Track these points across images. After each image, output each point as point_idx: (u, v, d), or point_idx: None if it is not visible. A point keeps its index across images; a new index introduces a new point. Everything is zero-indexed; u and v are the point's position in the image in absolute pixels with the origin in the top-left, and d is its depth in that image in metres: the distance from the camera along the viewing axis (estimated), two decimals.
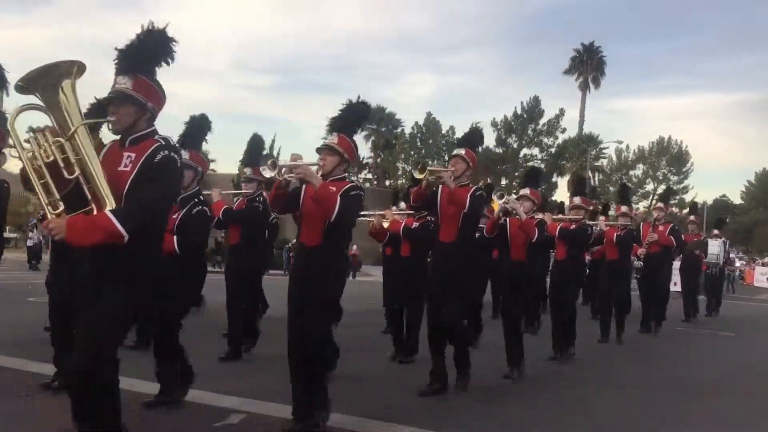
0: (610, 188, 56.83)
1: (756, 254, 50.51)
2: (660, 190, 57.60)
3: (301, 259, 4.75)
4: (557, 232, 8.10)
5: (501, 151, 53.93)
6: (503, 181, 54.85)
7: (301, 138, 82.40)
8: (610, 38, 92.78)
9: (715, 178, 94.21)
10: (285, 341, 4.61)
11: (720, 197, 65.66)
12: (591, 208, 9.46)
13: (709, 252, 14.65)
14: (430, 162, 51.63)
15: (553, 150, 52.95)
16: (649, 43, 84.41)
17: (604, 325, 9.89)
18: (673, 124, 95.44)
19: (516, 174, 52.89)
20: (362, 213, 7.19)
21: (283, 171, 4.54)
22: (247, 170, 7.44)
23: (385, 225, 7.74)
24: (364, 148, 57.61)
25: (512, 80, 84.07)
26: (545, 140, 52.86)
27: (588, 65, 54.38)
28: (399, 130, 55.81)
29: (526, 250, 6.92)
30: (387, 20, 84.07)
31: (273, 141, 34.27)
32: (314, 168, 4.65)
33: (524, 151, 53.46)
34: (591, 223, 9.26)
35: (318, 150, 4.83)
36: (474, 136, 6.47)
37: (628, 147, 57.09)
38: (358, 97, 5.01)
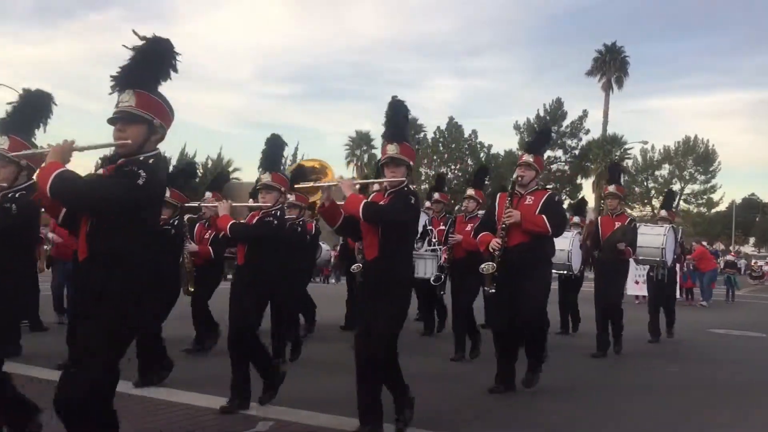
0: (636, 189, 56.30)
1: None
2: (688, 190, 57.12)
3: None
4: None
5: None
6: None
7: (325, 145, 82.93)
8: (633, 38, 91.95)
9: (743, 177, 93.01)
10: (324, 349, 4.61)
11: (749, 196, 64.82)
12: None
13: (646, 243, 9.54)
14: (448, 168, 51.48)
15: (576, 152, 52.58)
16: (674, 41, 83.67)
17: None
18: (699, 123, 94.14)
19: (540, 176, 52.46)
20: None
21: None
22: None
23: None
24: None
25: (535, 83, 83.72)
26: (569, 142, 52.52)
27: (611, 66, 53.92)
28: (421, 135, 55.78)
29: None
30: (408, 26, 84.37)
31: (296, 149, 34.42)
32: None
33: (548, 153, 53.05)
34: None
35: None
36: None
37: (653, 147, 56.60)
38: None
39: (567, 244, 9.98)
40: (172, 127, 3.54)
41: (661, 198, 58.23)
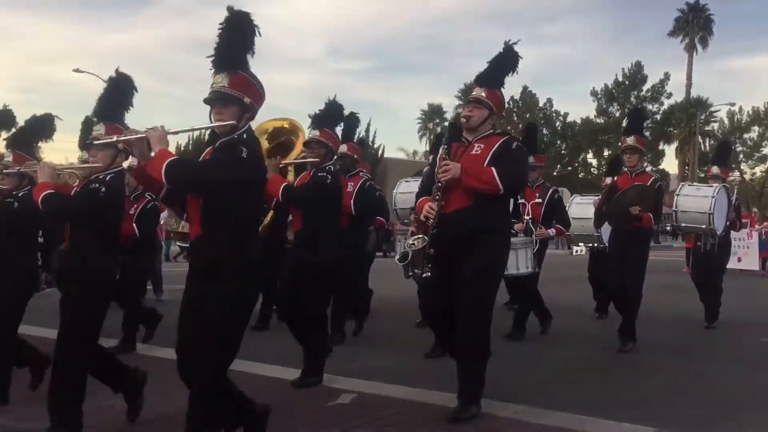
0: None
1: None
2: None
3: None
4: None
5: (602, 121, 52.10)
6: (606, 152, 53.01)
7: (397, 119, 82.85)
8: None
9: None
10: (397, 323, 4.59)
11: None
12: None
13: (690, 208, 8.06)
14: None
15: (658, 117, 50.63)
16: None
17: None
18: None
19: (620, 144, 50.96)
20: None
21: None
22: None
23: None
24: None
25: (613, 47, 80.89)
26: (650, 107, 50.57)
27: (694, 25, 51.51)
28: None
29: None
30: None
31: (369, 124, 34.52)
32: None
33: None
34: None
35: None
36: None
37: (741, 109, 53.77)
38: None
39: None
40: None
41: (749, 161, 55.15)
